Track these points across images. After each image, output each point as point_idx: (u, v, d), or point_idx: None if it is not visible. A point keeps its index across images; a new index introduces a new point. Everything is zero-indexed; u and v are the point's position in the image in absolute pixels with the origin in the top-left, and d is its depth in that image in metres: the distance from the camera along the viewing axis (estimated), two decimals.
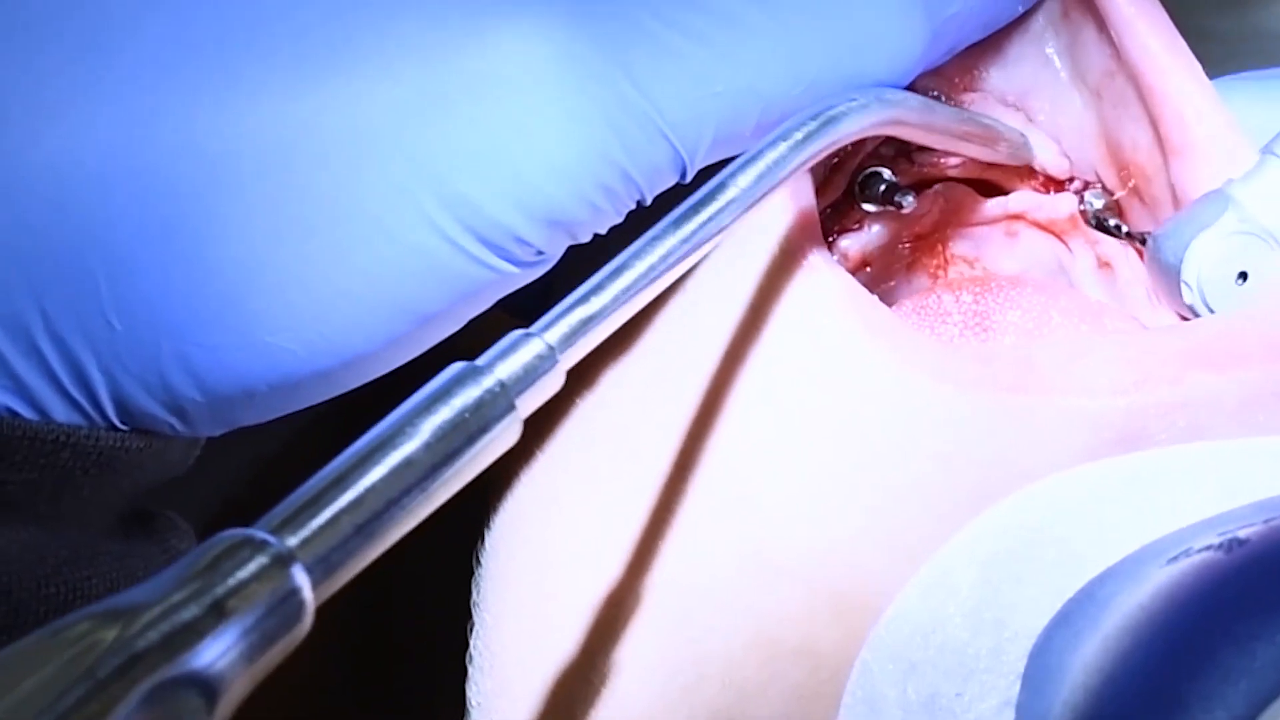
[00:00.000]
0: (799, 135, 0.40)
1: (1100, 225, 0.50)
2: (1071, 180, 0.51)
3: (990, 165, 0.50)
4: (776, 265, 0.44)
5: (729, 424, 0.44)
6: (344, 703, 0.64)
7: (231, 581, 0.29)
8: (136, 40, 0.41)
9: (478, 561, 0.49)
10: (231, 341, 0.41)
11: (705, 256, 0.40)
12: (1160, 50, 0.47)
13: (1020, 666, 0.38)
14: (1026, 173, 0.51)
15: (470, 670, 0.48)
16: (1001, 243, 0.51)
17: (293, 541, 0.30)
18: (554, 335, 0.35)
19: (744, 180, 0.39)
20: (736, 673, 0.43)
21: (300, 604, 0.30)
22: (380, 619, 0.64)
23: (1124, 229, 0.49)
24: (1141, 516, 0.39)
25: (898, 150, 0.51)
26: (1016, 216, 0.51)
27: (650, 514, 0.44)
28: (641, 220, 0.42)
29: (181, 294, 0.40)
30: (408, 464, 0.32)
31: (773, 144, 0.40)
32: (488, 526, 0.49)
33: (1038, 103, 0.50)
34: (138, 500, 0.45)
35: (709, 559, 0.44)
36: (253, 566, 0.30)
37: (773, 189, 0.40)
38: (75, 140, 0.40)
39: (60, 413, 0.41)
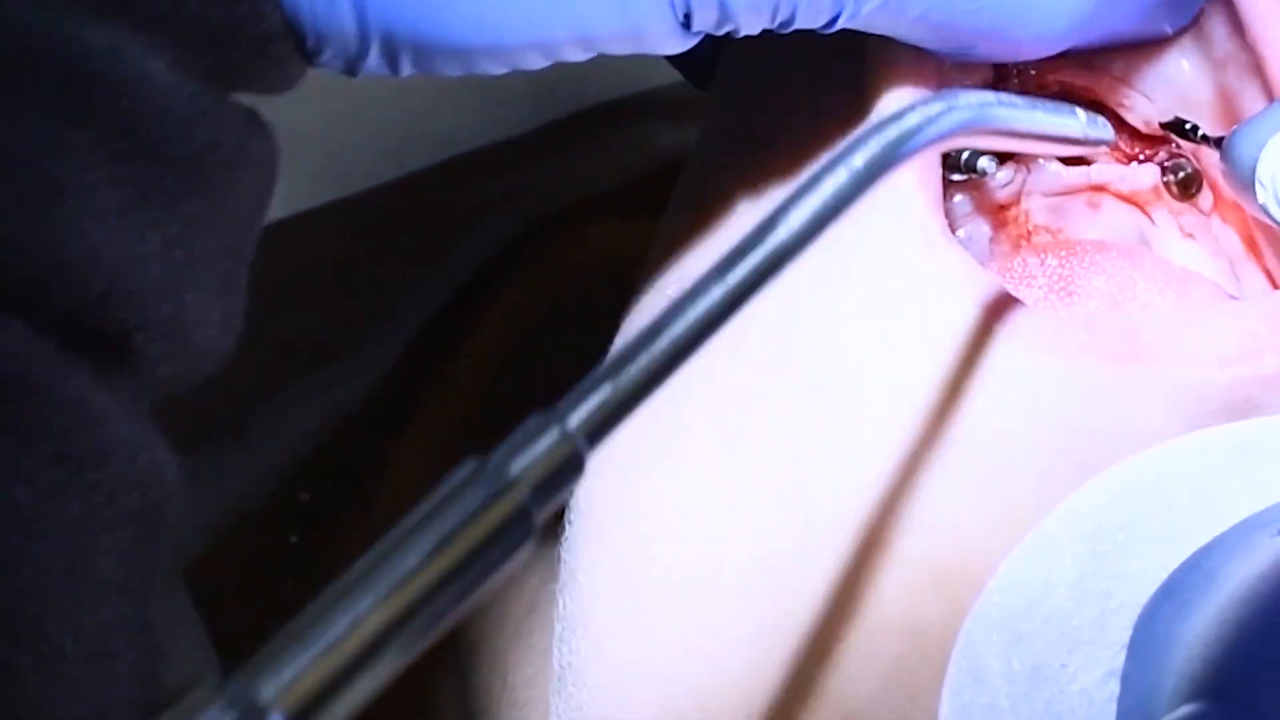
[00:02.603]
0: (858, 162, 0.35)
1: (1180, 131, 0.50)
2: (1155, 153, 0.50)
3: None
4: (898, 238, 0.44)
5: (833, 393, 0.44)
6: None
7: None
8: None
9: (568, 520, 0.48)
10: None
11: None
12: (1275, 21, 0.46)
13: (1125, 637, 0.38)
14: (1110, 147, 0.50)
15: (559, 629, 0.48)
16: (1084, 213, 0.50)
17: (269, 693, 0.27)
18: (576, 419, 0.30)
19: (796, 219, 0.34)
20: (835, 645, 0.43)
21: None
22: None
23: (1201, 131, 0.49)
24: (1248, 486, 0.39)
25: None
26: (1099, 188, 0.51)
27: (749, 483, 0.44)
28: None
29: None
30: (405, 585, 0.28)
31: (830, 170, 0.35)
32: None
33: (1138, 63, 0.49)
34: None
35: (809, 529, 0.43)
36: None
37: (831, 224, 0.35)
38: None
39: None
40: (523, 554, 0.29)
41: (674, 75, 0.54)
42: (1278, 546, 0.36)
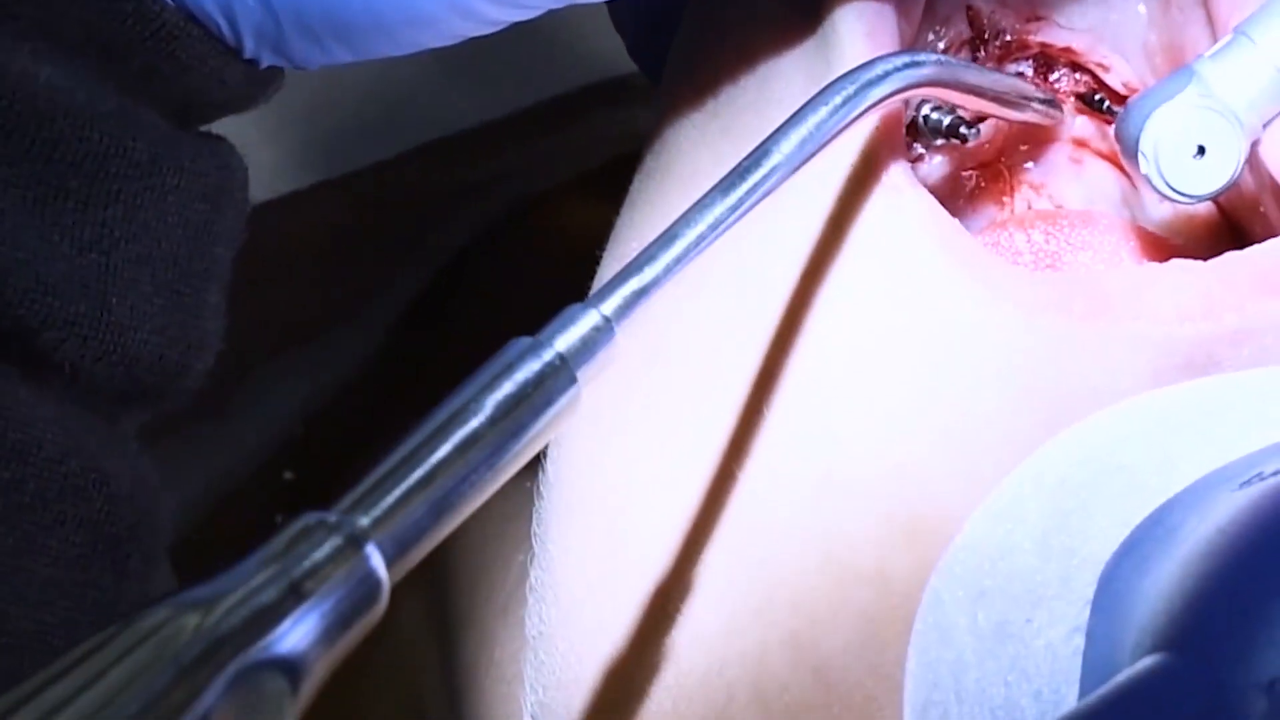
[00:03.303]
0: (838, 100, 0.41)
1: (1090, 104, 0.50)
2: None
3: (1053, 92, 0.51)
4: (859, 184, 0.44)
5: (803, 345, 0.44)
6: None
7: (307, 563, 0.30)
8: None
9: (539, 494, 0.49)
10: None
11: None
12: None
13: (1089, 593, 0.38)
14: (1087, 108, 0.51)
15: (530, 600, 0.48)
16: (1067, 169, 0.51)
17: (365, 521, 0.31)
18: (609, 307, 0.36)
19: (787, 146, 0.40)
20: (807, 596, 0.43)
21: (376, 582, 0.31)
22: None
23: (1106, 104, 0.50)
24: (1208, 443, 0.39)
25: None
26: (1081, 144, 0.51)
27: (722, 436, 0.45)
28: None
29: None
30: (473, 439, 0.33)
31: (813, 108, 0.41)
32: (546, 456, 0.49)
33: (1101, 14, 0.50)
34: (198, 118, 0.44)
35: (782, 481, 0.44)
36: (327, 548, 0.30)
37: (815, 153, 0.40)
38: None
39: None
40: (572, 413, 0.35)
41: None
42: (1236, 502, 0.36)
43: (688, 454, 0.45)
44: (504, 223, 0.73)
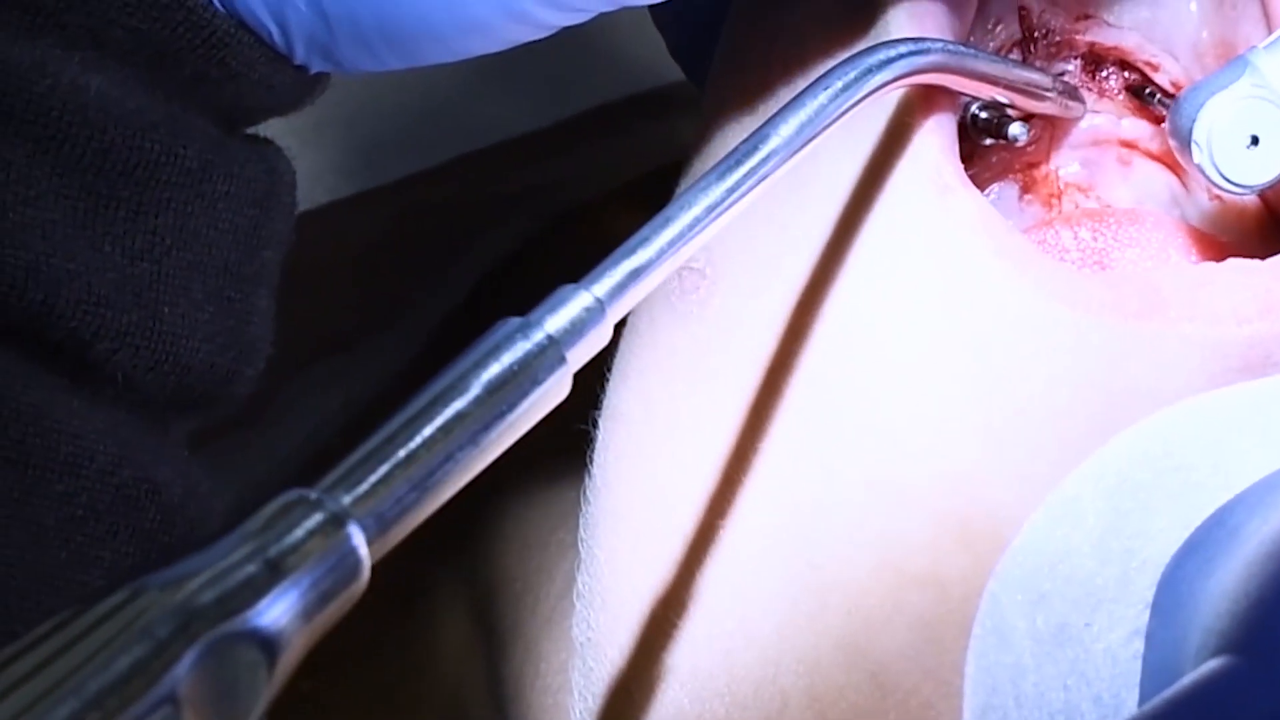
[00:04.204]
0: (839, 85, 0.40)
1: (1141, 96, 0.50)
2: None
3: (1101, 99, 0.50)
4: (910, 183, 0.44)
5: (854, 347, 0.44)
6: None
7: (287, 540, 0.30)
8: None
9: (585, 499, 0.48)
10: None
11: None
12: None
13: (1149, 595, 0.38)
14: (1136, 108, 0.50)
15: (578, 607, 0.48)
16: (1115, 170, 0.50)
17: (347, 500, 0.31)
18: (602, 289, 0.35)
19: (785, 130, 0.39)
20: (861, 601, 0.43)
21: (357, 561, 0.30)
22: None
23: (1157, 96, 0.50)
24: (1268, 443, 0.39)
25: None
26: (1130, 144, 0.50)
27: (772, 440, 0.44)
28: None
29: None
30: (459, 419, 0.32)
31: (813, 93, 0.40)
32: (593, 462, 0.48)
33: (1151, 12, 0.50)
34: (244, 121, 0.44)
35: (833, 484, 0.43)
36: (308, 525, 0.30)
37: (815, 138, 0.40)
38: None
39: None
40: (559, 395, 0.34)
41: None
42: None
43: (737, 457, 0.45)
44: (544, 234, 0.72)
